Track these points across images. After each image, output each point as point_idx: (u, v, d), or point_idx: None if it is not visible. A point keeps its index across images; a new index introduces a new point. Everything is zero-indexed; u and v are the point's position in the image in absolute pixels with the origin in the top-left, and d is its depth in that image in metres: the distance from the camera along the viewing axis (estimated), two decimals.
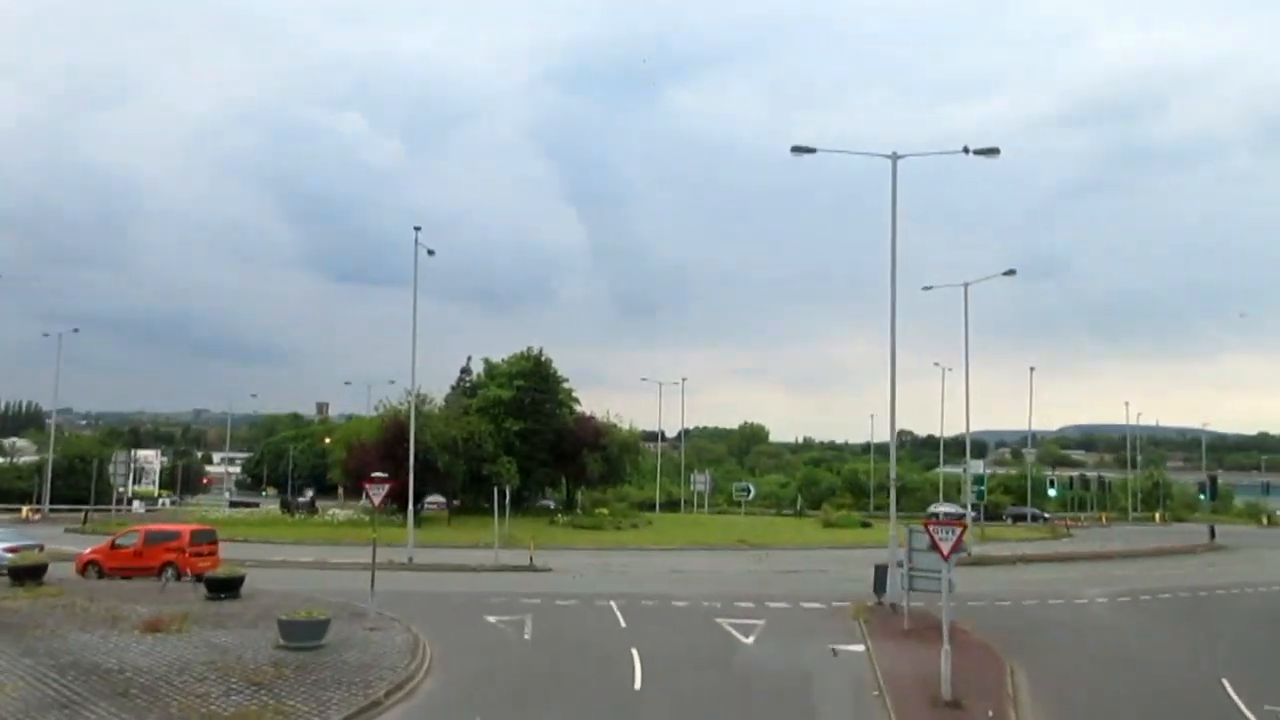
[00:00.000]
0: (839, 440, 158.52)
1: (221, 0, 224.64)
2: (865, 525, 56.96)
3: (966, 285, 40.02)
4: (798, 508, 67.91)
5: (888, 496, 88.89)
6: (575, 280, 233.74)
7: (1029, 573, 34.63)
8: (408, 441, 48.39)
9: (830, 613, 22.14)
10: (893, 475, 30.05)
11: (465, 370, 60.25)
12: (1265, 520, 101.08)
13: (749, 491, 45.56)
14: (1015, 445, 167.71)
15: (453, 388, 58.26)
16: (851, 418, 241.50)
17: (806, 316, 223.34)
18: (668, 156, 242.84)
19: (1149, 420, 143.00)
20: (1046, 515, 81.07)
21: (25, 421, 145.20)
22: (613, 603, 22.63)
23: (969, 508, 54.60)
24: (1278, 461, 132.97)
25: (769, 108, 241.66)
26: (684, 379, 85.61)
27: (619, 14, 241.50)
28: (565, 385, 59.12)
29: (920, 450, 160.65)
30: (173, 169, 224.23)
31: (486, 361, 58.93)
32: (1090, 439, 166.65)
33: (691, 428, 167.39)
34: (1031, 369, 67.30)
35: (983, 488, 54.19)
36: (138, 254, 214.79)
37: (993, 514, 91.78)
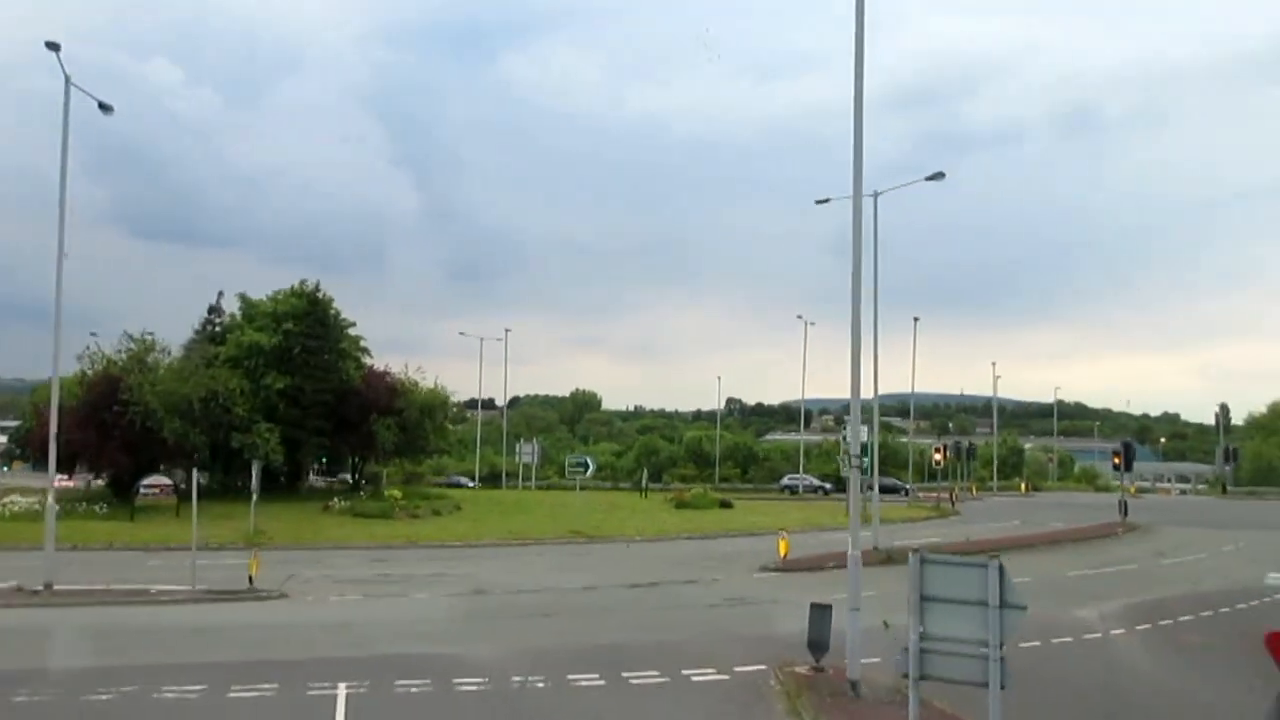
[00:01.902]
0: (669, 409, 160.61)
1: None
2: (725, 505, 48.92)
3: (877, 194, 31.87)
4: (643, 485, 59.27)
5: (736, 466, 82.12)
6: (405, 246, 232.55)
7: None
8: (119, 402, 36.63)
9: (740, 699, 12.94)
10: (867, 448, 20.75)
11: (214, 310, 47.81)
12: (1134, 489, 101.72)
13: (586, 467, 36.15)
14: (838, 413, 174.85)
15: (196, 332, 45.83)
16: (682, 387, 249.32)
17: (637, 286, 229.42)
18: (500, 122, 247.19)
19: (954, 390, 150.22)
20: (909, 487, 76.47)
21: None
22: (343, 687, 12.67)
23: (853, 476, 47.59)
24: (1080, 428, 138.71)
25: (603, 77, 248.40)
26: (507, 330, 76.13)
27: None
28: (352, 332, 47.92)
29: (750, 418, 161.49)
30: None
31: (243, 299, 46.78)
32: (905, 407, 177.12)
33: (522, 395, 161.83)
34: (916, 319, 60.50)
35: (868, 459, 46.89)
36: None
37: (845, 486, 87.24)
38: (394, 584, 23.76)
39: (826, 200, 33.83)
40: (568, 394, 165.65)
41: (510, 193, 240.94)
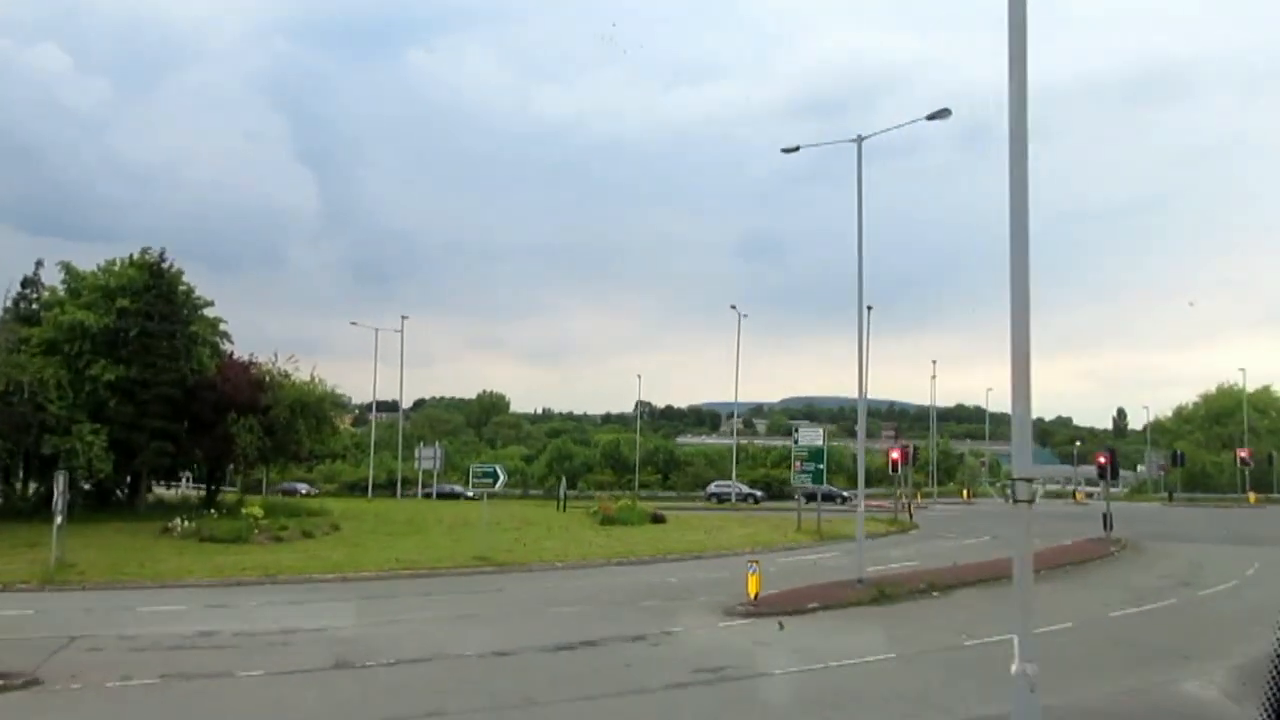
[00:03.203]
0: (579, 411, 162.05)
1: None
2: (657, 519, 43.05)
3: (861, 139, 26.34)
4: (560, 496, 52.91)
5: (656, 472, 76.63)
6: (304, 245, 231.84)
7: (979, 620, 21.21)
8: None
9: None
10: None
11: (30, 282, 39.59)
12: (1075, 496, 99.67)
13: (495, 477, 29.77)
14: (746, 415, 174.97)
15: (5, 310, 37.70)
16: (591, 390, 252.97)
17: (543, 288, 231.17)
18: (403, 120, 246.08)
19: (849, 394, 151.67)
20: (845, 494, 72.10)
21: None
22: None
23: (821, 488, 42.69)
24: (979, 431, 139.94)
25: (508, 77, 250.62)
26: (404, 318, 69.25)
27: None
28: (208, 314, 40.47)
29: (659, 421, 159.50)
30: None
31: (67, 269, 38.86)
32: (812, 410, 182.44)
33: (427, 398, 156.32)
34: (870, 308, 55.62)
35: (821, 465, 41.60)
36: None
37: (778, 494, 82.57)
38: (217, 652, 17.04)
39: (795, 149, 28.52)
40: (473, 396, 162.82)
41: (413, 192, 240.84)
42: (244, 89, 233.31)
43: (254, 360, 41.07)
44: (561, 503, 50.79)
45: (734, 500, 71.31)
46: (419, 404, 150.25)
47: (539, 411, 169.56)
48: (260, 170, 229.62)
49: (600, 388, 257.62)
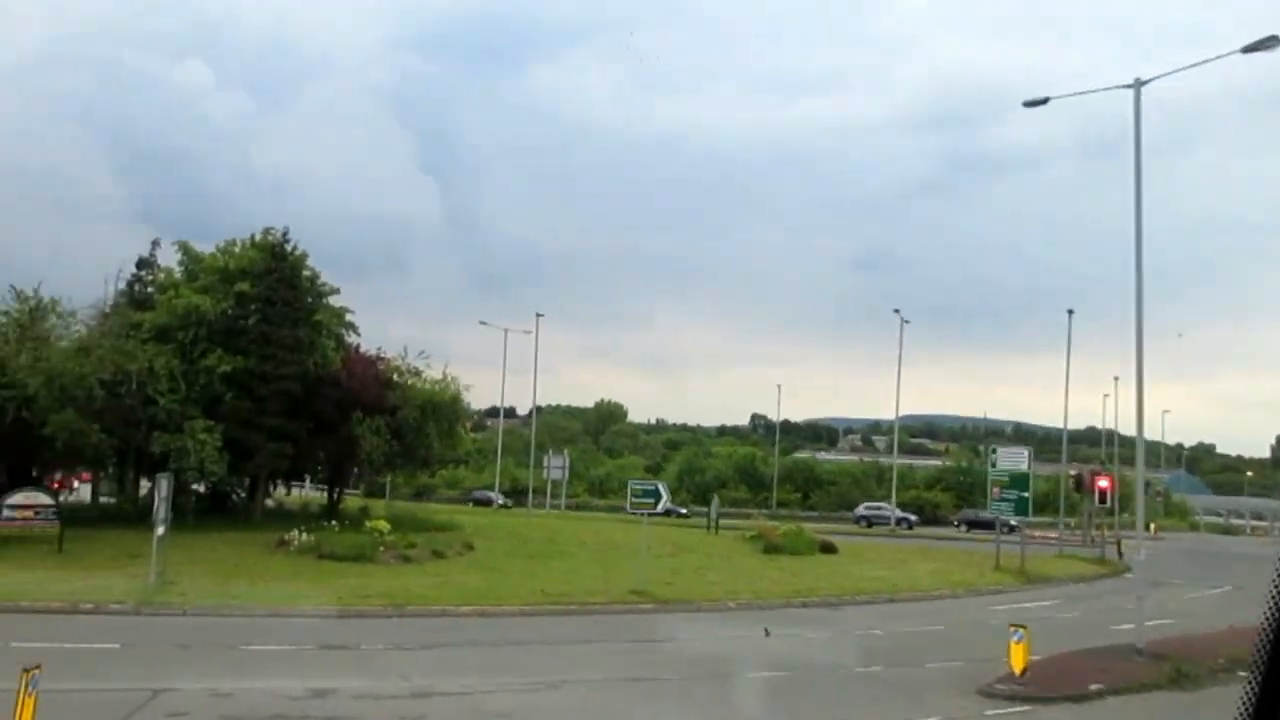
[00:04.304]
0: (691, 423, 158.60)
1: None
2: (828, 549, 37.92)
3: (1140, 83, 20.92)
4: (713, 517, 48.21)
5: (795, 490, 71.34)
6: (426, 253, 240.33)
7: None
8: None
9: None
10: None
11: (145, 263, 37.12)
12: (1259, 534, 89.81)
13: (657, 498, 25.37)
14: (864, 431, 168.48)
15: (120, 294, 35.30)
16: (703, 401, 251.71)
17: (653, 299, 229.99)
18: (523, 131, 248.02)
19: (976, 413, 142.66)
20: (1013, 523, 65.36)
21: None
22: None
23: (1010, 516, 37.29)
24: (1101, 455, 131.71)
25: (625, 90, 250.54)
26: (539, 315, 66.00)
27: None
28: (332, 302, 37.40)
29: (774, 435, 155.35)
30: None
31: (184, 249, 36.24)
32: (933, 428, 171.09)
33: (542, 405, 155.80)
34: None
35: (1026, 493, 35.91)
36: None
37: (930, 519, 76.16)
38: None
39: (1043, 101, 23.34)
40: (590, 404, 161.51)
41: (531, 202, 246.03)
42: (371, 102, 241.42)
43: (381, 355, 37.91)
44: (713, 525, 46.14)
45: (892, 524, 65.42)
46: (537, 410, 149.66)
47: (652, 422, 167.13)
48: (386, 181, 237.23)
49: (711, 400, 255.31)
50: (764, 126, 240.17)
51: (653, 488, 27.29)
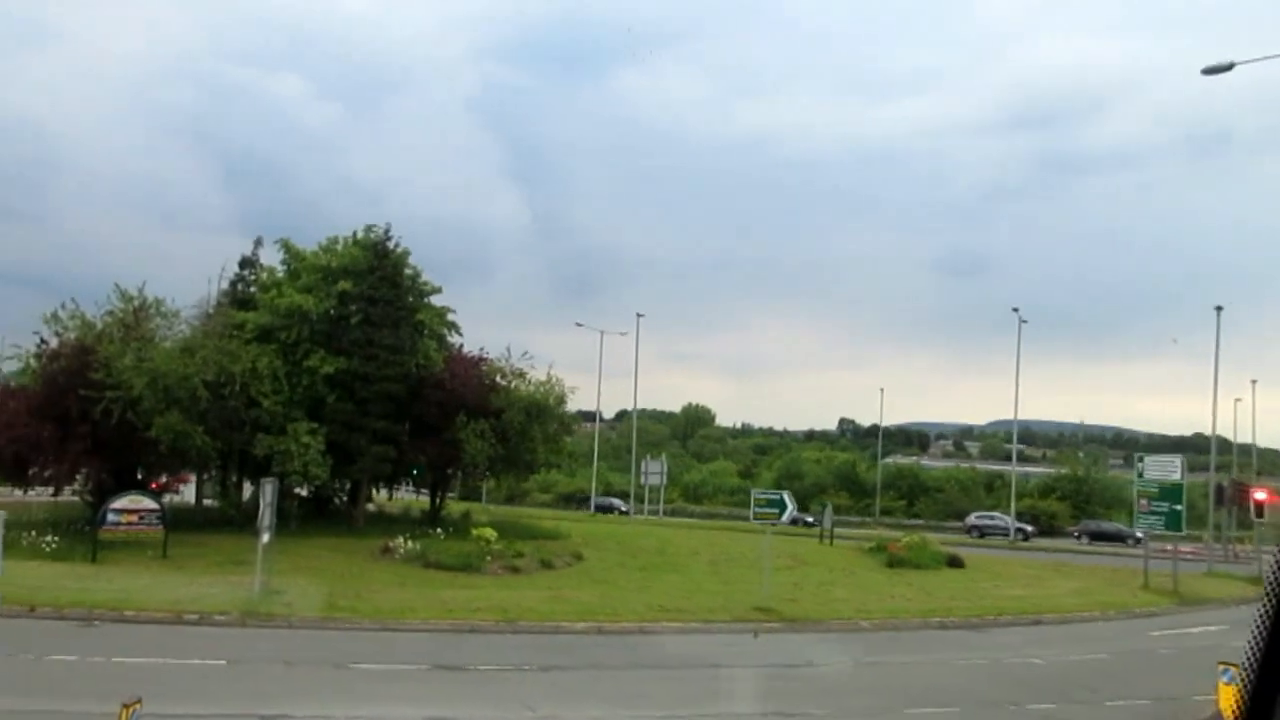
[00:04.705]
0: (778, 427, 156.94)
1: None
2: (954, 563, 35.62)
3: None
4: (825, 527, 46.13)
5: (899, 498, 68.67)
6: (512, 258, 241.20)
7: None
8: (88, 384, 26.12)
9: None
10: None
11: (249, 263, 36.72)
12: None
13: (782, 508, 23.51)
14: (955, 436, 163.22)
15: (223, 292, 34.95)
16: (787, 405, 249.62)
17: (735, 302, 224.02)
18: (606, 136, 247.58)
19: (1071, 418, 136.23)
20: (1139, 535, 61.64)
21: None
22: None
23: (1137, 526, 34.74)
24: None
25: (708, 93, 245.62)
26: (640, 316, 64.84)
27: None
28: (435, 301, 36.56)
29: (866, 440, 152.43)
30: (97, 122, 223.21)
31: (286, 247, 35.73)
32: (1030, 434, 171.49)
33: (628, 409, 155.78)
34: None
35: (1179, 506, 33.13)
36: (57, 208, 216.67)
37: (1046, 530, 72.57)
38: None
39: (1227, 67, 21.01)
40: (676, 409, 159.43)
41: (616, 207, 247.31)
42: (458, 110, 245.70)
43: (484, 357, 36.86)
44: (828, 534, 44.09)
45: (1011, 536, 62.27)
46: (620, 415, 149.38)
47: (738, 426, 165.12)
48: (471, 187, 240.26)
49: (796, 404, 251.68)
50: (850, 128, 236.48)
51: (777, 497, 25.53)
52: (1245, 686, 2.39)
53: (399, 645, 19.08)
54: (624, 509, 68.87)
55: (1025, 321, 67.39)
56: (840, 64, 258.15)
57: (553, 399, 35.17)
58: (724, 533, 47.35)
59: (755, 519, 25.72)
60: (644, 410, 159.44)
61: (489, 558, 27.60)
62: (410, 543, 28.47)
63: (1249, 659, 2.37)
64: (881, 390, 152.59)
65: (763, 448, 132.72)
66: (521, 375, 35.63)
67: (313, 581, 24.60)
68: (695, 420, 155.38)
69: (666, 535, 41.50)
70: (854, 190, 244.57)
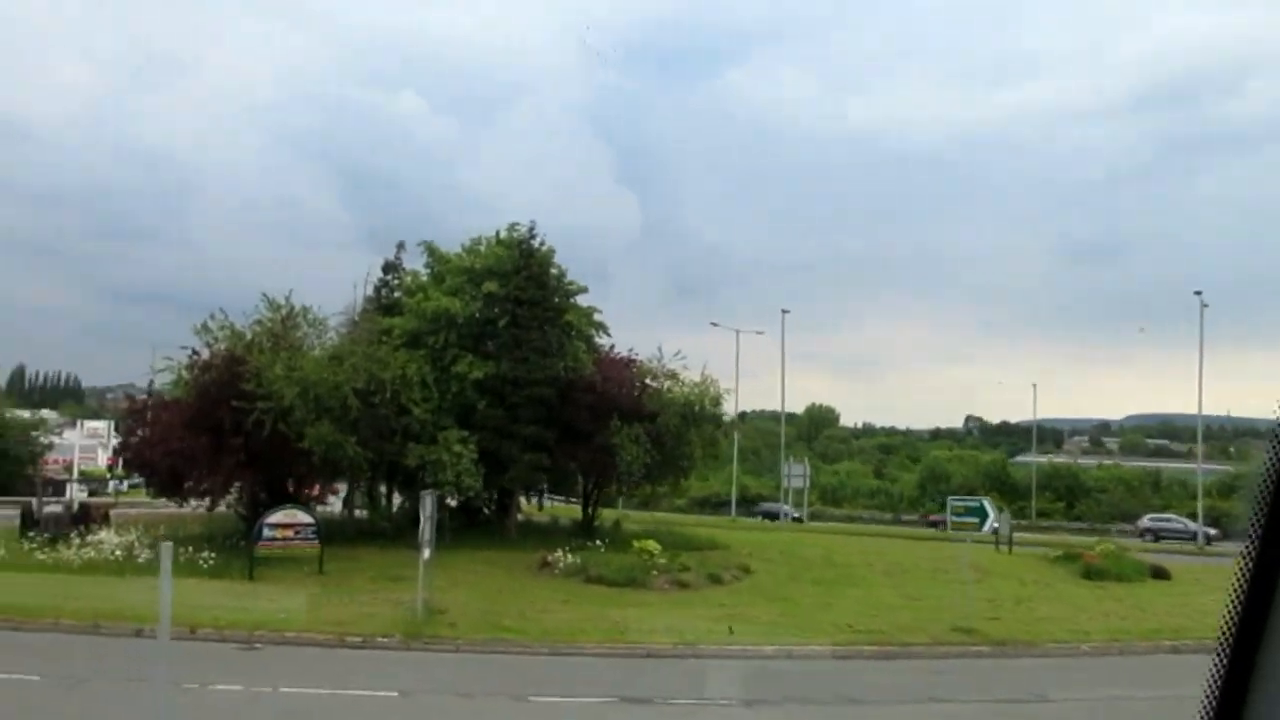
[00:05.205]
0: (900, 426, 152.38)
1: None
2: (1159, 575, 32.32)
3: None
4: (1003, 533, 42.94)
5: (1057, 499, 64.29)
6: (623, 262, 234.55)
7: None
8: (240, 394, 25.54)
9: None
10: None
11: (392, 267, 36.03)
12: None
13: (983, 517, 21.05)
14: (1091, 432, 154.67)
15: (367, 299, 34.32)
16: (904, 404, 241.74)
17: (848, 299, 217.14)
18: (717, 138, 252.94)
19: (1219, 410, 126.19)
20: None
21: (64, 394, 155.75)
22: None
23: None
24: None
25: (816, 90, 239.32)
26: (785, 311, 62.86)
27: None
28: (581, 301, 35.21)
29: (995, 438, 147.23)
30: (228, 146, 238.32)
31: (429, 250, 34.87)
32: (1172, 428, 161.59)
33: (748, 410, 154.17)
34: None
35: None
36: (197, 231, 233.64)
37: (1230, 533, 67.09)
38: None
39: None
40: (796, 409, 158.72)
41: (727, 207, 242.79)
42: (569, 117, 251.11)
43: (633, 358, 35.35)
44: (1004, 541, 40.96)
45: (1200, 541, 57.55)
46: (741, 416, 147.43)
47: (859, 425, 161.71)
48: (585, 194, 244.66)
49: (917, 402, 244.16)
50: (965, 117, 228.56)
51: (976, 504, 23.33)
52: (1217, 668, 2.40)
53: (575, 672, 17.55)
54: (794, 515, 66.91)
55: (1207, 305, 62.13)
56: (953, 51, 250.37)
57: (708, 401, 33.39)
58: (884, 539, 44.77)
59: (953, 529, 23.37)
60: (765, 411, 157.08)
61: (654, 572, 25.94)
62: (569, 556, 27.05)
63: (1221, 641, 2.39)
64: (1034, 385, 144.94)
65: (888, 447, 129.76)
66: (674, 376, 33.97)
67: (472, 599, 23.43)
68: (819, 420, 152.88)
69: (828, 543, 39.14)
70: (971, 179, 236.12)
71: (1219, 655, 2.41)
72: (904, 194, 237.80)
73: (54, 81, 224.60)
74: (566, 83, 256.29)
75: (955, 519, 23.20)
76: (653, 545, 27.31)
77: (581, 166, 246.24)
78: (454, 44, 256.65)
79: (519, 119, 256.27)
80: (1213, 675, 2.43)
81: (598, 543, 28.95)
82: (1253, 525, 2.40)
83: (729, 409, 37.67)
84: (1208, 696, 2.43)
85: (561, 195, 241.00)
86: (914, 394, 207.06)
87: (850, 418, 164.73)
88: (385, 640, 19.25)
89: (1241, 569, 2.36)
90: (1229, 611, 2.40)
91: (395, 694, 15.31)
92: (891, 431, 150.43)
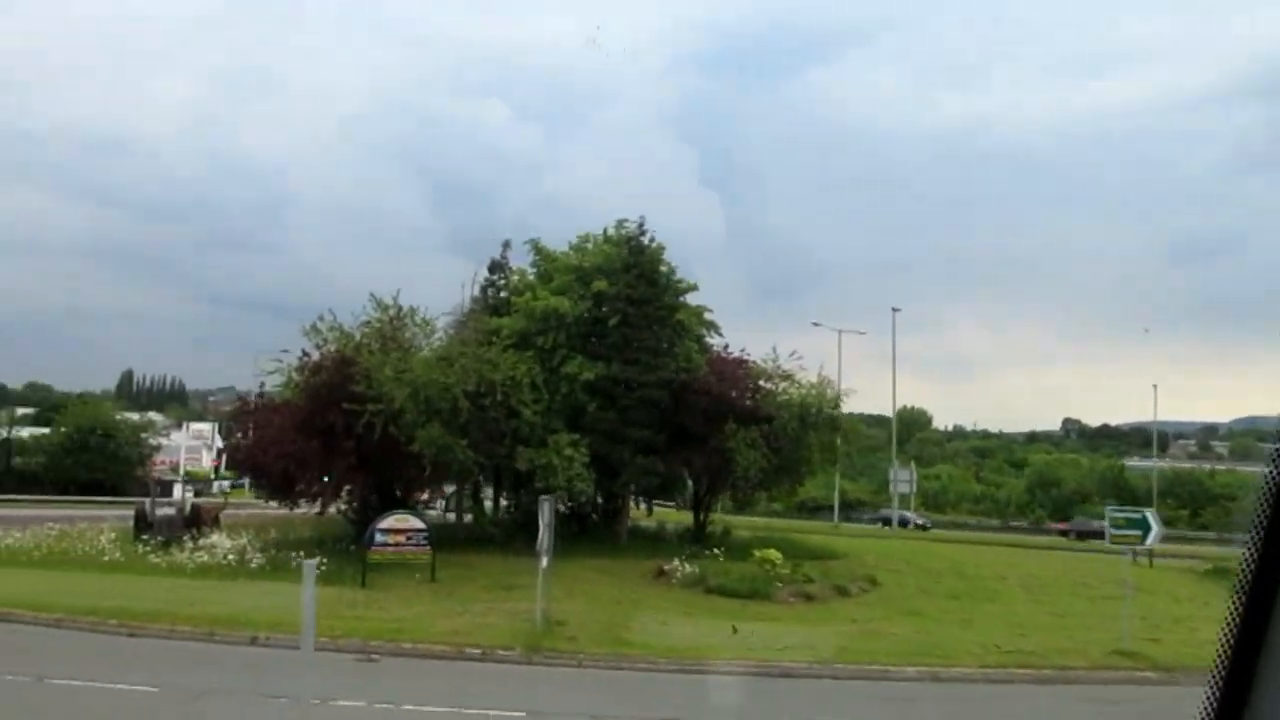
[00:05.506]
0: (993, 429, 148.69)
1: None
2: None
3: None
4: (1149, 544, 40.42)
5: (1180, 507, 60.70)
6: (707, 263, 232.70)
7: None
8: (350, 396, 25.11)
9: None
10: None
11: (497, 266, 35.41)
12: None
13: (1145, 529, 19.28)
14: (1198, 436, 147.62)
15: (473, 299, 33.71)
16: (997, 405, 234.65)
17: (937, 300, 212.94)
18: (802, 137, 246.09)
19: None
20: None
21: (169, 398, 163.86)
22: None
23: None
24: None
25: (904, 87, 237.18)
26: (895, 310, 61.20)
27: None
28: (691, 300, 34.10)
29: (1094, 441, 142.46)
30: (323, 157, 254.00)
31: (536, 248, 34.20)
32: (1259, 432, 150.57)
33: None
34: None
35: None
36: (292, 238, 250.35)
37: None
38: None
39: None
40: (886, 411, 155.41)
41: (812, 208, 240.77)
42: (653, 121, 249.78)
43: (745, 358, 34.09)
44: (1143, 554, 38.45)
45: None
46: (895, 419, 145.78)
47: (950, 428, 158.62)
48: (669, 196, 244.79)
49: (1009, 404, 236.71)
50: (1063, 111, 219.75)
51: (1139, 516, 21.47)
52: (1211, 695, 2.41)
53: (706, 693, 16.41)
54: (918, 522, 65.10)
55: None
56: (1048, 42, 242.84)
57: (825, 403, 31.96)
58: (1009, 549, 42.57)
59: (1112, 541, 21.61)
60: (854, 414, 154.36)
61: (776, 583, 24.69)
62: (687, 565, 25.95)
63: (1216, 668, 2.41)
64: (1155, 387, 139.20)
65: (982, 451, 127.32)
66: (789, 377, 32.61)
67: (590, 608, 22.53)
68: (911, 423, 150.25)
69: (950, 553, 37.31)
70: (1068, 175, 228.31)
71: (1218, 662, 2.39)
72: (995, 191, 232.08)
73: (162, 100, 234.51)
74: (650, 87, 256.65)
75: (1115, 531, 21.48)
76: (775, 555, 26.03)
77: (664, 169, 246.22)
78: (539, 53, 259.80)
79: (604, 124, 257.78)
80: (1206, 699, 2.40)
81: (716, 551, 27.78)
82: (1254, 529, 2.30)
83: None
84: (1207, 699, 2.40)
85: (645, 198, 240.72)
86: (1005, 396, 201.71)
87: (941, 419, 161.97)
88: (505, 653, 18.39)
89: (1241, 575, 2.33)
90: (1229, 619, 2.38)
91: (523, 714, 14.40)
92: (985, 435, 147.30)
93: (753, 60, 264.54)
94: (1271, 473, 2.25)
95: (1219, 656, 2.40)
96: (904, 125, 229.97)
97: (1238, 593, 2.32)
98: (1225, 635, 2.38)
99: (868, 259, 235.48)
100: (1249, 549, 2.29)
